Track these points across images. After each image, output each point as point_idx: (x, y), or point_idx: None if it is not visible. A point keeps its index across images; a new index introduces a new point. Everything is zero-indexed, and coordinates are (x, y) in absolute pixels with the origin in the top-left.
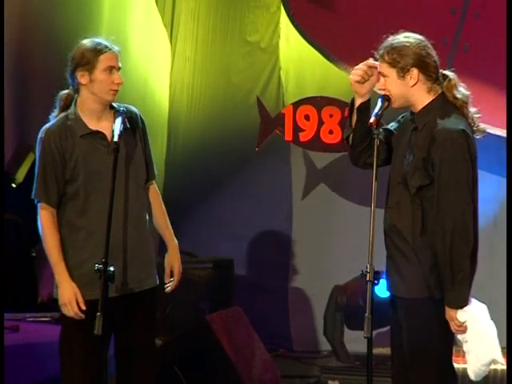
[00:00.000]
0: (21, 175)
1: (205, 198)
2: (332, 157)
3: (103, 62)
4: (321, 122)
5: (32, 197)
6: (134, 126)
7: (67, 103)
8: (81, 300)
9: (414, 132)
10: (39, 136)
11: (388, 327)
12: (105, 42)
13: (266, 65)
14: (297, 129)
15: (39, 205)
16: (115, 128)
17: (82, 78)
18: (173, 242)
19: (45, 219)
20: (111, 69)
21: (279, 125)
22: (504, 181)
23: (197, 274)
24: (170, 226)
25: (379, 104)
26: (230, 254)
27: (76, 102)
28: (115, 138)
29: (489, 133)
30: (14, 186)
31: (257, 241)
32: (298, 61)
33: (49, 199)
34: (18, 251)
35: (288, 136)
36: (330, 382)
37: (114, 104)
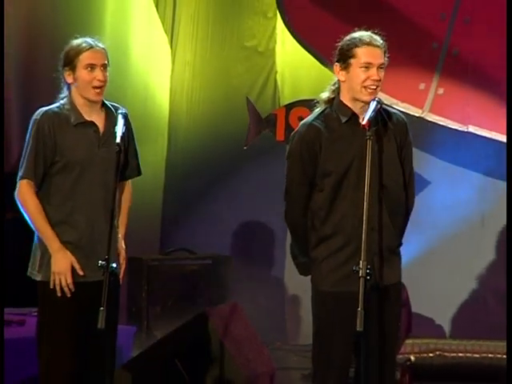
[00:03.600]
0: None
1: (204, 197)
2: None
3: (83, 60)
4: None
5: (19, 173)
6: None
7: None
8: (78, 267)
9: (382, 124)
10: (34, 117)
11: None
12: (89, 41)
13: (262, 69)
14: (290, 129)
15: (22, 182)
16: (117, 129)
17: (68, 77)
18: (123, 230)
19: (30, 195)
20: (92, 66)
21: (270, 125)
22: (491, 181)
23: (196, 269)
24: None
25: (373, 107)
26: (228, 250)
27: (70, 93)
28: (117, 140)
29: (476, 134)
30: None
31: (254, 238)
32: (293, 65)
33: (36, 178)
34: (23, 247)
35: (280, 136)
36: None
37: (105, 101)
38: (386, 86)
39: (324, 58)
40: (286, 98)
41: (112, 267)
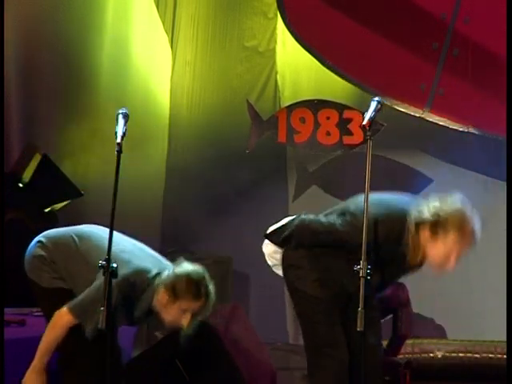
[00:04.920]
0: (28, 175)
1: (204, 198)
2: (325, 158)
3: (182, 304)
4: (317, 125)
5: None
6: None
7: None
8: None
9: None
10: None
11: (382, 320)
12: (202, 288)
13: (263, 69)
14: (291, 131)
15: (68, 312)
16: (118, 130)
17: (164, 298)
18: None
19: (65, 328)
20: (186, 311)
21: (272, 127)
22: (492, 181)
23: None
24: None
25: (373, 107)
26: (229, 251)
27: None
28: (118, 140)
29: (476, 134)
30: (21, 185)
31: (254, 238)
32: (294, 65)
33: (80, 320)
34: (23, 247)
35: (282, 138)
36: None
37: None
38: (386, 86)
39: (324, 59)
40: (287, 98)
41: (112, 267)
